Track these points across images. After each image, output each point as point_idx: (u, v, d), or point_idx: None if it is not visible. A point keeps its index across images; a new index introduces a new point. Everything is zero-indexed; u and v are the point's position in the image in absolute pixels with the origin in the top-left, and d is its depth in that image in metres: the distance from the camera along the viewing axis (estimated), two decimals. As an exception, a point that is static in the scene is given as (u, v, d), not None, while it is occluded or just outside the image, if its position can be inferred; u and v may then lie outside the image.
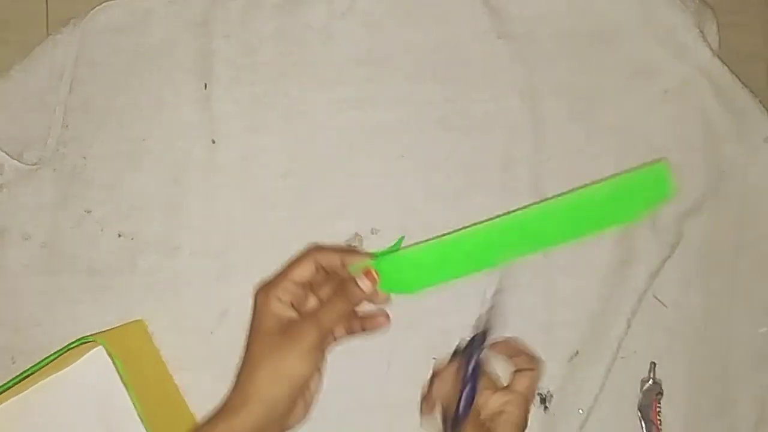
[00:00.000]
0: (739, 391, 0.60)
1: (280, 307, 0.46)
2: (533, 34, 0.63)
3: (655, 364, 0.60)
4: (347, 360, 0.59)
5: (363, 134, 0.62)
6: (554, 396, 0.60)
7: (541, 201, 0.51)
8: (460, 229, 0.49)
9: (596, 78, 0.63)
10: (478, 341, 0.51)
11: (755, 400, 0.60)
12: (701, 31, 0.62)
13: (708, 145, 0.62)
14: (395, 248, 0.61)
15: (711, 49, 0.62)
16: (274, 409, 0.44)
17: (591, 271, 0.61)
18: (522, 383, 0.52)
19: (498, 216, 0.50)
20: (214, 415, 0.45)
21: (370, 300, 0.49)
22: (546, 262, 0.61)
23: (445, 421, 0.51)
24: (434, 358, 0.57)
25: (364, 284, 0.47)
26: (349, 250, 0.51)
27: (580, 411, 0.59)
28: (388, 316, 0.50)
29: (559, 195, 0.50)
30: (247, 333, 0.46)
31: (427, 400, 0.53)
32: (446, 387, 0.52)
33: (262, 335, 0.45)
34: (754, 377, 0.61)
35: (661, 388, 0.60)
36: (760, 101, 0.62)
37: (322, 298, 0.49)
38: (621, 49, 0.63)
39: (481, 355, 0.51)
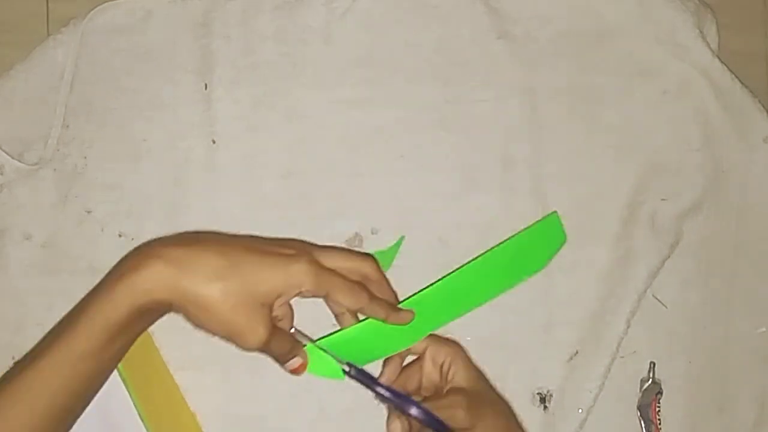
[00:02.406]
0: (739, 391, 0.61)
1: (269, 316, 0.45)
2: (533, 34, 0.63)
3: (654, 363, 0.60)
4: (347, 360, 0.60)
5: (363, 134, 0.62)
6: (554, 396, 0.60)
7: (445, 275, 0.53)
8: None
9: (596, 78, 0.63)
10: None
11: (754, 400, 0.60)
12: (701, 31, 0.62)
13: (708, 145, 0.62)
14: (395, 248, 0.61)
15: (711, 49, 0.62)
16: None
17: (591, 271, 0.61)
18: (421, 345, 0.52)
19: (413, 294, 0.52)
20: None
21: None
22: (546, 262, 0.61)
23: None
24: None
25: (291, 365, 0.48)
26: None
27: (580, 410, 0.59)
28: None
29: (464, 265, 0.54)
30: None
31: None
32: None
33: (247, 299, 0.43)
34: (753, 377, 0.61)
35: (660, 388, 0.60)
36: (760, 101, 0.62)
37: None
38: (621, 49, 0.63)
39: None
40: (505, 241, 0.55)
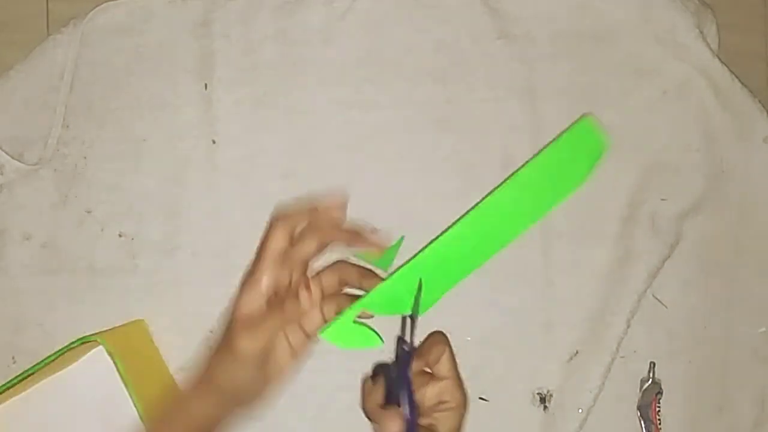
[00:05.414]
0: (738, 391, 0.61)
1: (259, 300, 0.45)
2: (533, 35, 0.63)
3: (654, 363, 0.60)
4: (347, 360, 0.60)
5: (363, 134, 0.62)
6: (554, 396, 0.60)
7: (473, 207, 0.48)
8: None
9: (596, 78, 0.63)
10: (405, 357, 0.48)
11: (755, 400, 0.60)
12: (701, 31, 0.62)
13: (708, 145, 0.62)
14: (395, 248, 0.61)
15: (711, 49, 0.62)
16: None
17: (591, 271, 0.61)
18: (445, 366, 0.48)
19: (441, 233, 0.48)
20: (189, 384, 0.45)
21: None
22: (546, 262, 0.61)
23: None
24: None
25: (303, 296, 0.46)
26: (314, 207, 0.48)
27: (580, 410, 0.59)
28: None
29: (490, 192, 0.48)
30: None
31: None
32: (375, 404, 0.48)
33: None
34: (753, 377, 0.61)
35: (660, 388, 0.60)
36: (760, 101, 0.62)
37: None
38: (621, 49, 0.63)
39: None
40: (534, 157, 0.48)
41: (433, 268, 0.48)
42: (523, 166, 0.48)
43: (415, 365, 0.47)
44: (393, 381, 0.47)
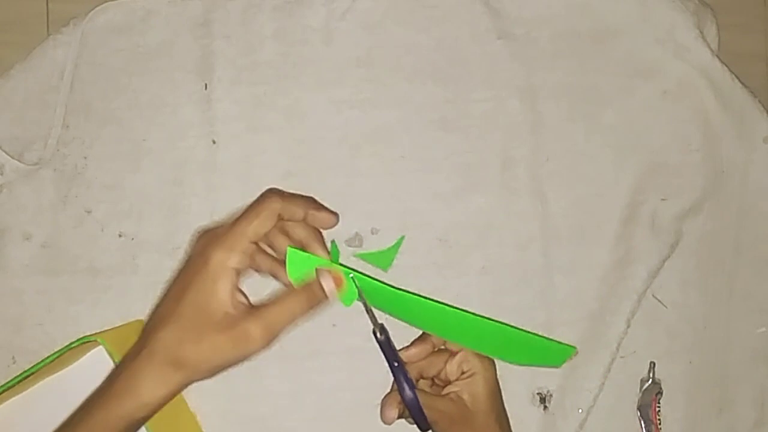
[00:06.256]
0: (738, 391, 0.61)
1: (232, 285, 0.43)
2: (533, 35, 0.63)
3: (654, 363, 0.60)
4: (348, 360, 0.60)
5: (363, 134, 0.62)
6: (554, 396, 0.60)
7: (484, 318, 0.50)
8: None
9: (596, 78, 0.63)
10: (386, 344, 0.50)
11: (754, 400, 0.61)
12: (701, 32, 0.62)
13: (708, 145, 0.62)
14: (395, 248, 0.61)
15: (711, 49, 0.62)
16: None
17: (591, 271, 0.61)
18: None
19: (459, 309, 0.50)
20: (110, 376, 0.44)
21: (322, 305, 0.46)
22: (546, 261, 0.61)
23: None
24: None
25: (329, 285, 0.45)
26: (313, 202, 0.48)
27: (580, 410, 0.59)
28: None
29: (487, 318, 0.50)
30: (179, 289, 0.43)
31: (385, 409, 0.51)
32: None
33: (203, 313, 0.42)
34: (753, 377, 0.61)
35: (660, 388, 0.60)
36: (760, 101, 0.62)
37: (273, 252, 0.47)
38: (620, 49, 0.63)
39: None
40: (518, 329, 0.51)
41: (398, 305, 0.51)
42: (507, 324, 0.51)
43: (424, 348, 0.52)
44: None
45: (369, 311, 0.49)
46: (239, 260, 0.43)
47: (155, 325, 0.44)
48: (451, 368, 0.52)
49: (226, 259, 0.43)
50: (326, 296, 0.45)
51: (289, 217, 0.46)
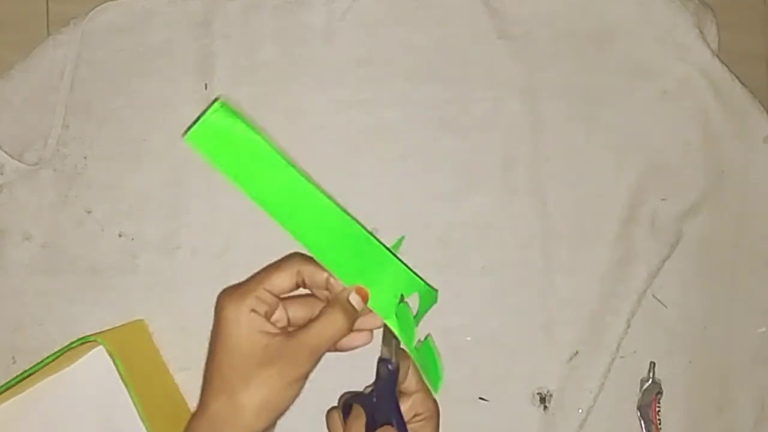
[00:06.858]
0: (739, 391, 0.61)
1: (257, 322, 0.43)
2: (533, 35, 0.63)
3: (654, 363, 0.60)
4: (348, 360, 0.59)
5: (363, 134, 0.62)
6: (554, 396, 0.60)
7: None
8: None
9: (596, 78, 0.63)
10: (392, 377, 0.49)
11: (754, 400, 0.60)
12: (701, 31, 0.62)
13: (708, 145, 0.62)
14: (395, 248, 0.61)
15: (711, 49, 0.62)
16: None
17: (591, 271, 0.61)
18: (412, 381, 0.49)
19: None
20: None
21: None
22: (546, 262, 0.61)
23: None
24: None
25: (355, 300, 0.45)
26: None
27: (580, 410, 0.59)
28: (371, 332, 0.48)
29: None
30: (212, 350, 0.43)
31: None
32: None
33: (240, 358, 0.42)
34: (753, 377, 0.61)
35: (660, 388, 0.60)
36: (760, 101, 0.62)
37: (293, 315, 0.46)
38: (620, 49, 0.63)
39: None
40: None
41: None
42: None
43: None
44: (374, 405, 0.48)
45: (395, 338, 0.47)
46: (254, 303, 0.43)
47: (204, 393, 0.44)
48: (405, 409, 0.49)
49: (239, 303, 0.43)
50: (356, 309, 0.45)
51: (310, 278, 0.46)
